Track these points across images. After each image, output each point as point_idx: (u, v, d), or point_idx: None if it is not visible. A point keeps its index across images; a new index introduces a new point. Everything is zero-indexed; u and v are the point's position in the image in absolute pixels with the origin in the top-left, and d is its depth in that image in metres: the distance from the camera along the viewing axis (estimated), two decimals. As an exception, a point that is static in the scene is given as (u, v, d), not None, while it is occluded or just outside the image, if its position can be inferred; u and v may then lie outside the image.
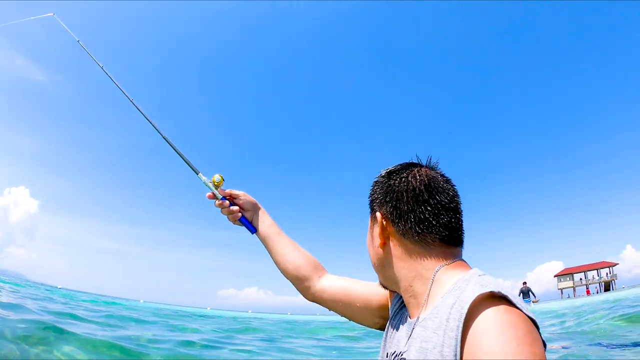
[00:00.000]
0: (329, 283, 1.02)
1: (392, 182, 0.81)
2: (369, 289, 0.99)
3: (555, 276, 44.48)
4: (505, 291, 0.60)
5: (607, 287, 37.71)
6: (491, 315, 0.56)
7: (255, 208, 1.10)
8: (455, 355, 0.57)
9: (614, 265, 38.99)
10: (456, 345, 0.57)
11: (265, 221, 1.09)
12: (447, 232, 0.74)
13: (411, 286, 0.76)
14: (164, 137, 1.15)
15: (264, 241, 1.08)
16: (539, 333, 0.58)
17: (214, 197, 1.07)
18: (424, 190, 0.76)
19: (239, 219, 1.08)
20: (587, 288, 39.49)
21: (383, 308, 0.97)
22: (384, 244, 0.80)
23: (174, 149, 1.13)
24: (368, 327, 1.00)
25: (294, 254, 1.04)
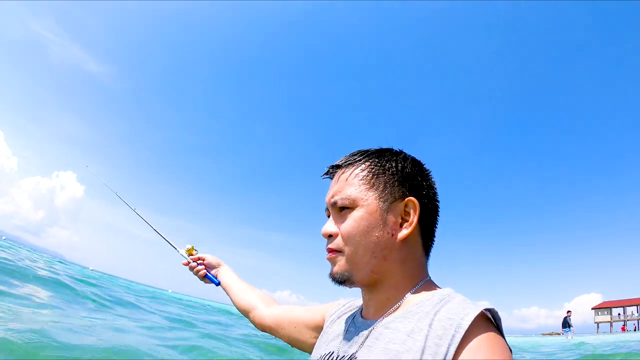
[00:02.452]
0: (273, 310, 1.08)
1: (425, 173, 0.75)
2: (308, 311, 1.00)
3: (592, 309, 41.39)
4: (498, 314, 0.61)
5: (648, 325, 34.52)
6: (486, 336, 0.56)
7: (218, 265, 1.31)
8: None
9: (658, 303, 35.60)
10: (446, 355, 0.54)
11: (226, 274, 1.27)
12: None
13: (396, 288, 0.70)
14: (153, 228, 1.44)
15: (225, 289, 1.24)
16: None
17: (188, 263, 1.30)
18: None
19: (205, 276, 1.28)
20: (623, 324, 36.39)
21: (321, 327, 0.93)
22: (406, 237, 0.69)
23: (159, 234, 1.42)
24: (308, 351, 0.95)
25: (247, 293, 1.17)
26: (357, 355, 0.66)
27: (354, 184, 0.72)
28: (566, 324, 16.10)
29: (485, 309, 0.59)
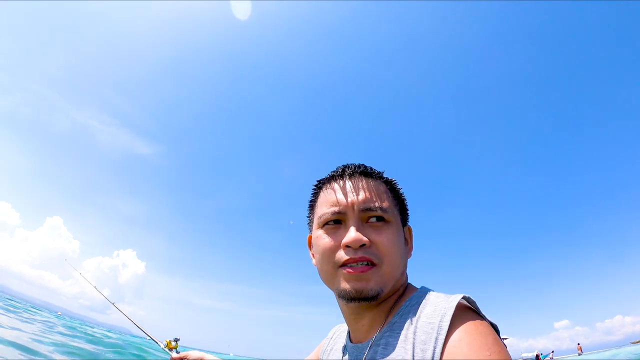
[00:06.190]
0: None
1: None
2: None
3: None
4: (472, 298, 0.62)
5: None
6: (464, 326, 0.60)
7: (200, 358, 1.33)
8: None
9: None
10: (432, 356, 0.59)
11: None
12: None
13: (394, 297, 0.71)
14: (136, 324, 1.66)
15: None
16: (500, 337, 0.61)
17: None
18: None
19: None
20: None
21: None
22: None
23: (142, 330, 1.58)
24: None
25: None
26: None
27: (385, 198, 0.70)
28: None
29: (460, 299, 0.61)
